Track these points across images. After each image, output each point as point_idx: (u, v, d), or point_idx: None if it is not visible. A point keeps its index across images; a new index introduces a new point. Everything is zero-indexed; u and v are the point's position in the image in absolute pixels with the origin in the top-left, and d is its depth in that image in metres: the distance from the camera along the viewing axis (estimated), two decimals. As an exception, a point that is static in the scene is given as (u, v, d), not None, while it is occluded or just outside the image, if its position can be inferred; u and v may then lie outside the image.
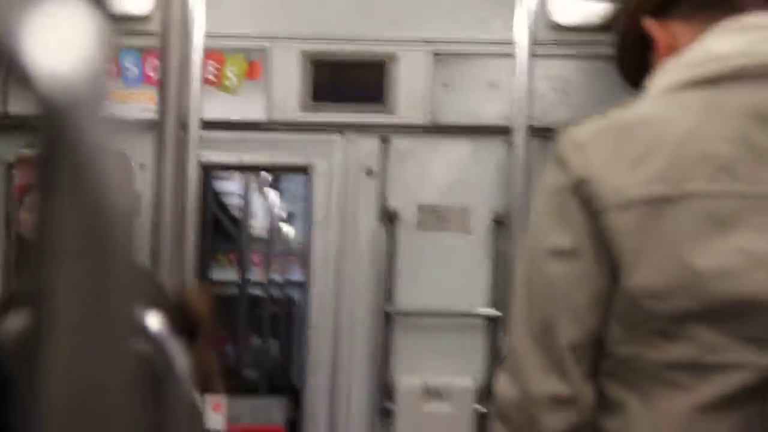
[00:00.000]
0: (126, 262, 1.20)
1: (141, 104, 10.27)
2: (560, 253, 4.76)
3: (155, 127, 6.93)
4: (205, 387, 5.94)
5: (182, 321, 5.16)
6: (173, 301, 5.89)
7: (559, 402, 4.81)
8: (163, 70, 6.91)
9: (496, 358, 11.79)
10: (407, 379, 12.38)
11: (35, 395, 1.45)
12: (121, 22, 10.99)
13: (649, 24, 5.02)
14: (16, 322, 4.43)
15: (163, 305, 5.76)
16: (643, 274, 4.68)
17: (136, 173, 11.21)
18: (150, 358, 4.11)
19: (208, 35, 10.73)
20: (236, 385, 13.93)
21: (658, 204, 4.70)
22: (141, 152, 10.61)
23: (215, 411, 10.56)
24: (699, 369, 4.70)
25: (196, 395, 5.00)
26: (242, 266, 17.47)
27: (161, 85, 7.04)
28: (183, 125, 8.41)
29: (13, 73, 1.15)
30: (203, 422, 6.65)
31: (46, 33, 1.14)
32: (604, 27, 11.30)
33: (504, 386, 4.92)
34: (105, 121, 1.15)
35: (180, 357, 4.13)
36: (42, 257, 1.32)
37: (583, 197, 4.67)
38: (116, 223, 1.21)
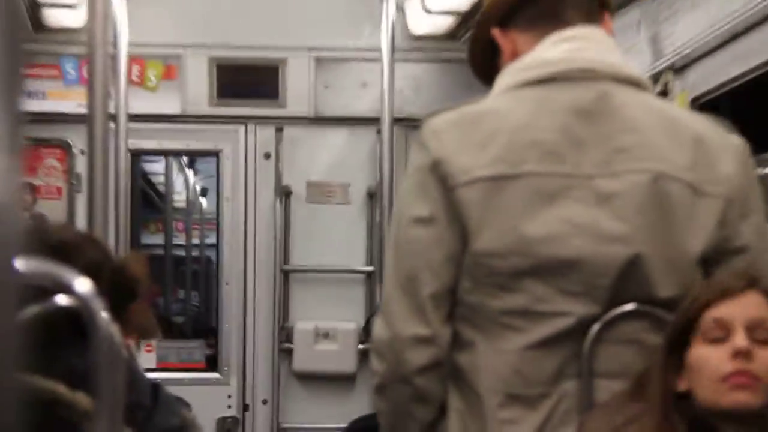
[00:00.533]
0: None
1: (79, 101, 10.00)
2: (421, 221, 5.05)
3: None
4: (145, 335, 5.85)
5: (123, 281, 5.11)
6: (115, 265, 5.84)
7: (421, 341, 5.05)
8: (91, 73, 6.86)
9: (372, 305, 12.01)
10: (302, 324, 12.73)
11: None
12: (61, 33, 11.59)
13: (495, 33, 5.28)
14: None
15: (105, 268, 5.82)
16: (486, 239, 4.93)
17: (78, 157, 12.11)
18: (77, 313, 4.06)
19: (132, 44, 10.81)
20: (165, 331, 14.14)
21: (497, 181, 4.96)
22: (81, 141, 10.65)
23: (148, 352, 11.87)
24: (530, 315, 5.01)
25: (123, 341, 4.95)
26: (167, 232, 18.25)
27: (90, 85, 7.00)
28: (113, 118, 8.22)
29: None
30: (126, 363, 6.52)
31: None
32: (450, 36, 12.32)
33: (378, 329, 5.23)
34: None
35: (101, 310, 4.10)
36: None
37: (439, 175, 4.99)
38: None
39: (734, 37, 8.41)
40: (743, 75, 8.43)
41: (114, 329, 4.25)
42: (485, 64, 5.39)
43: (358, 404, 10.91)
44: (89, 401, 4.41)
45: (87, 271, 3.96)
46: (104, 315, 4.10)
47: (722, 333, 4.61)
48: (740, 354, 4.48)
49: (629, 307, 4.97)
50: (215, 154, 12.75)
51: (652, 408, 4.71)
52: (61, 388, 4.63)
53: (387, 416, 5.34)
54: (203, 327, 14.86)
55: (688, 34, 8.78)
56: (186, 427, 6.37)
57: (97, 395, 4.25)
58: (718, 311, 4.65)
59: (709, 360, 4.57)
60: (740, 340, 4.54)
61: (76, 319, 4.25)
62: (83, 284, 3.96)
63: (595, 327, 4.97)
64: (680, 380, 4.65)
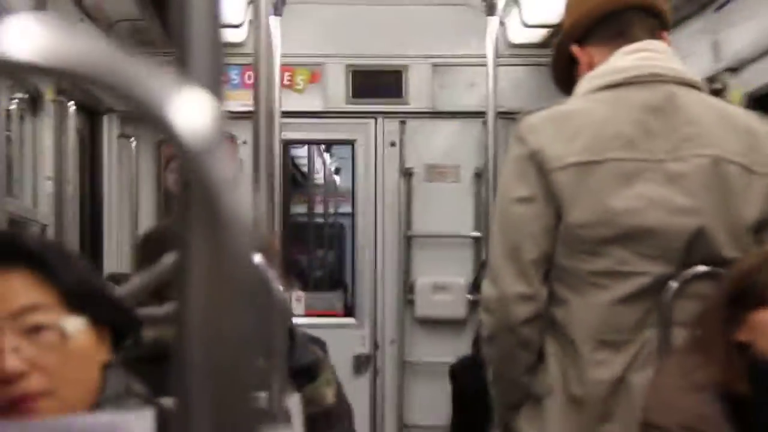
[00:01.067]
0: (238, 223, 1.11)
1: (241, 101, 10.12)
2: (522, 200, 5.21)
3: (251, 116, 6.87)
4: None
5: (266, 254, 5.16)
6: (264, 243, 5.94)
7: (524, 298, 5.19)
8: (255, 78, 6.96)
9: (478, 264, 12.13)
10: (422, 279, 12.68)
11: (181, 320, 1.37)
12: (228, 47, 10.68)
13: (574, 49, 5.47)
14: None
15: (260, 245, 5.84)
16: (577, 213, 5.09)
17: (239, 147, 11.86)
18: (258, 281, 4.11)
19: (284, 55, 10.46)
20: (308, 283, 14.70)
21: (586, 166, 5.10)
22: (243, 133, 10.79)
23: (297, 302, 12.04)
24: (614, 275, 5.14)
25: (285, 296, 5.10)
26: (309, 204, 18.38)
27: (255, 88, 7.07)
28: (270, 114, 8.20)
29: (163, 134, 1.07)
30: (291, 314, 6.77)
31: (184, 107, 1.05)
32: (543, 45, 11.96)
33: (487, 289, 5.38)
34: (221, 161, 1.07)
35: (274, 277, 4.25)
36: (182, 209, 1.27)
37: (537, 162, 5.13)
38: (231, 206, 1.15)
39: None
40: None
41: (286, 297, 4.39)
42: (565, 74, 5.55)
43: (466, 343, 10.51)
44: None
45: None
46: (276, 280, 4.18)
47: None
48: None
49: (702, 269, 5.03)
50: (351, 143, 12.93)
51: (715, 356, 4.67)
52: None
53: (495, 361, 5.46)
54: (338, 281, 14.63)
55: (742, 40, 8.65)
56: (319, 363, 6.36)
57: (270, 355, 4.30)
58: None
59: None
60: None
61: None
62: (259, 258, 4.05)
63: (674, 284, 5.03)
64: (740, 332, 4.60)
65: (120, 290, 4.72)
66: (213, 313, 1.15)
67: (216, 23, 1.88)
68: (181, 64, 1.97)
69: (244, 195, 1.12)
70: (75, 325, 2.47)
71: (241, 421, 1.15)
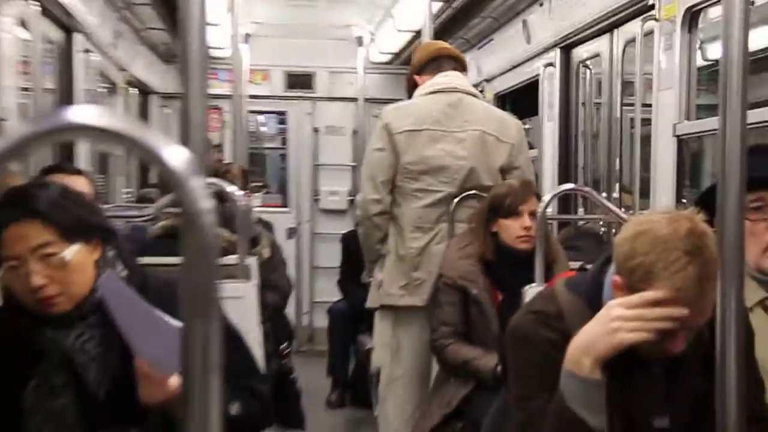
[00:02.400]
0: (202, 204, 1.08)
1: (226, 89, 9.53)
2: (378, 150, 5.20)
3: (231, 97, 6.49)
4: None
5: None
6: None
7: (376, 201, 5.22)
8: (234, 76, 6.56)
9: (353, 181, 11.05)
10: (323, 188, 11.64)
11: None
12: (218, 60, 9.93)
13: (415, 77, 5.49)
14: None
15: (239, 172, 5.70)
16: (407, 157, 5.14)
17: (225, 115, 10.32)
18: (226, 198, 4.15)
19: (250, 65, 9.93)
20: (264, 189, 12.04)
21: (412, 132, 5.16)
22: (227, 106, 9.88)
23: (257, 200, 9.97)
24: (424, 191, 5.18)
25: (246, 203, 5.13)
26: (261, 146, 16.24)
27: (233, 82, 6.66)
28: (240, 97, 7.74)
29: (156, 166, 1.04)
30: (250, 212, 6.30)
31: (173, 154, 0.99)
32: (388, 63, 11.16)
33: (358, 196, 5.66)
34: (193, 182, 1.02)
35: (238, 191, 4.34)
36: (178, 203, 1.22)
37: (387, 130, 5.15)
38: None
39: (513, 66, 8.18)
40: (516, 85, 8.30)
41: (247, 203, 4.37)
42: (410, 88, 5.52)
43: (349, 224, 9.94)
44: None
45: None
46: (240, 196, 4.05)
47: (516, 213, 4.67)
48: (528, 228, 4.55)
49: (472, 192, 5.14)
50: (284, 113, 11.53)
51: (478, 239, 4.75)
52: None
53: (362, 236, 5.50)
54: (280, 188, 13.94)
55: (492, 65, 8.58)
56: (258, 235, 6.13)
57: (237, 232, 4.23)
58: (520, 205, 4.68)
59: (510, 226, 4.64)
60: (526, 220, 4.61)
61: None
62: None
63: (456, 199, 5.18)
64: (492, 227, 4.71)
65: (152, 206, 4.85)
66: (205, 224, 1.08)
67: (204, 47, 1.89)
68: (184, 72, 1.96)
69: (201, 191, 1.06)
70: (72, 250, 2.45)
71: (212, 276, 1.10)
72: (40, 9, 5.62)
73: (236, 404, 2.59)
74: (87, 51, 6.97)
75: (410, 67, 5.62)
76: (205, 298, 1.07)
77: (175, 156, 1.08)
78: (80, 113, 1.07)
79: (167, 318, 2.46)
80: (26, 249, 2.50)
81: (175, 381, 2.48)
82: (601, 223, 6.36)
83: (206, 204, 1.07)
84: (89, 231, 2.60)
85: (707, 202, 2.71)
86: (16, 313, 2.64)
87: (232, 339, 2.74)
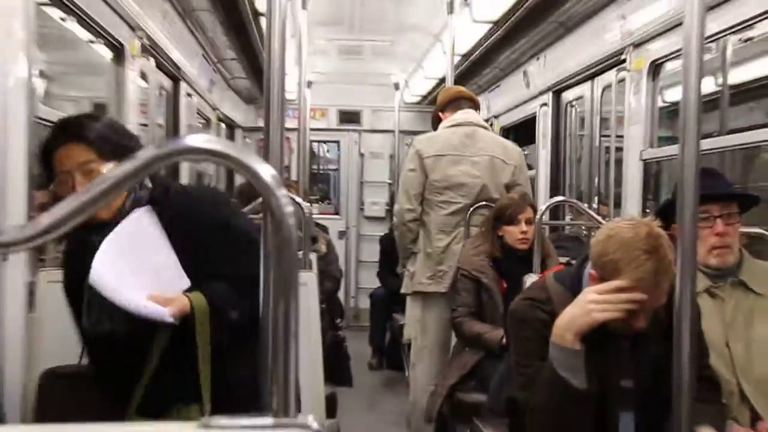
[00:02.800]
0: (284, 207, 1.07)
1: (293, 124, 9.44)
2: (411, 170, 5.06)
3: (297, 130, 6.49)
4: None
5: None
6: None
7: (410, 211, 5.06)
8: (299, 114, 6.53)
9: (390, 195, 10.96)
10: (367, 199, 11.39)
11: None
12: (288, 102, 9.82)
13: (439, 113, 5.35)
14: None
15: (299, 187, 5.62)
16: (434, 176, 5.00)
17: (292, 143, 9.56)
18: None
19: (312, 105, 9.63)
20: (321, 200, 12.36)
21: (438, 157, 5.01)
22: (294, 137, 9.52)
23: (315, 208, 9.62)
24: (447, 203, 5.02)
25: (309, 209, 5.08)
26: (320, 166, 15.72)
27: (298, 119, 6.65)
28: (305, 130, 7.68)
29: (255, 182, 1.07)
30: (312, 217, 6.14)
31: (263, 169, 1.02)
32: (418, 103, 10.91)
33: (396, 206, 5.31)
34: (278, 191, 1.04)
35: (302, 202, 4.27)
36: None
37: (418, 154, 5.02)
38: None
39: (516, 105, 8.15)
40: (518, 120, 8.27)
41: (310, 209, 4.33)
42: (435, 122, 5.38)
43: (386, 227, 9.62)
44: None
45: None
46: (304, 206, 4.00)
47: (516, 221, 4.55)
48: (525, 232, 4.50)
49: (483, 203, 5.00)
50: (337, 141, 11.52)
51: (488, 240, 4.61)
52: None
53: (397, 237, 5.26)
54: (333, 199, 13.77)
55: (499, 105, 8.52)
56: (316, 235, 6.05)
57: (303, 232, 4.21)
58: (518, 215, 4.58)
59: (512, 231, 4.53)
60: (523, 226, 4.52)
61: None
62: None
63: (471, 209, 5.06)
64: (499, 231, 4.59)
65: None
66: (288, 225, 1.09)
67: (282, 92, 1.92)
68: (267, 111, 1.99)
69: (285, 199, 1.06)
70: (109, 167, 2.42)
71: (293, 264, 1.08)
72: (155, 63, 5.68)
73: (236, 311, 2.48)
74: (189, 95, 7.01)
75: (435, 106, 5.45)
76: (287, 282, 1.05)
77: (266, 173, 1.07)
78: (196, 139, 1.07)
79: (167, 250, 2.43)
80: (74, 165, 2.45)
81: (180, 298, 2.44)
82: (583, 227, 6.34)
83: (289, 209, 1.06)
84: (125, 153, 2.44)
85: (664, 212, 2.84)
86: None
87: (231, 243, 2.56)
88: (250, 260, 2.37)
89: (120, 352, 2.55)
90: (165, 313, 2.38)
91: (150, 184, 2.62)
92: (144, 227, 2.48)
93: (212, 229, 2.54)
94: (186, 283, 2.50)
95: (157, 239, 2.45)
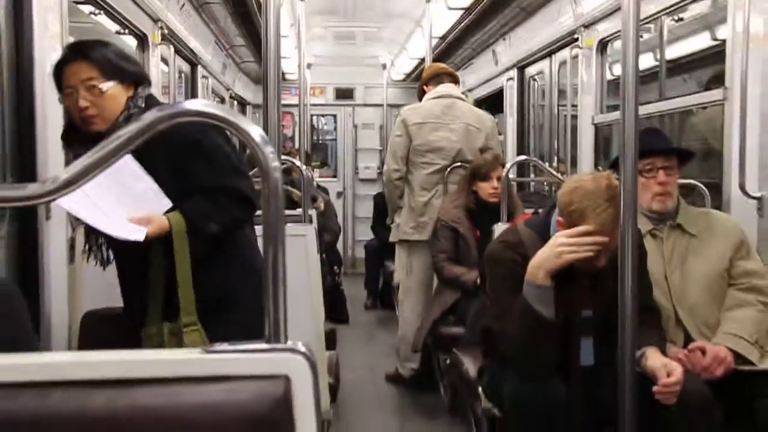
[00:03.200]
0: (275, 173, 1.04)
1: (294, 101, 9.25)
2: (398, 136, 4.94)
3: (297, 106, 6.48)
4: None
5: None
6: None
7: (397, 170, 4.96)
8: (299, 91, 6.47)
9: (380, 159, 10.51)
10: (361, 163, 11.12)
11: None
12: (289, 81, 9.81)
13: (423, 87, 5.21)
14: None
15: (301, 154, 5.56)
16: (417, 141, 4.89)
17: (294, 117, 9.97)
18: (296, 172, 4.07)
19: (311, 83, 9.80)
20: (321, 165, 12.23)
21: (421, 124, 4.89)
22: (295, 112, 9.48)
23: (315, 172, 9.30)
24: (428, 164, 4.92)
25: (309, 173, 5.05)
26: (321, 137, 15.38)
27: (299, 95, 6.57)
28: (305, 106, 7.60)
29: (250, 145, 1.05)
30: (312, 179, 5.98)
31: (258, 134, 1.03)
32: (403, 80, 10.78)
33: (384, 167, 5.17)
34: (270, 153, 1.02)
35: (303, 166, 4.18)
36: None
37: (404, 123, 4.91)
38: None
39: (487, 80, 8.19)
40: (489, 93, 8.26)
41: (309, 173, 4.20)
42: (420, 93, 5.25)
43: (379, 187, 9.24)
44: None
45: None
46: (305, 169, 3.86)
47: (488, 178, 4.52)
48: (496, 188, 4.44)
49: (459, 163, 4.90)
50: (334, 115, 11.25)
51: (464, 194, 4.60)
52: None
53: (387, 193, 5.17)
54: (332, 164, 13.64)
55: (472, 80, 8.55)
56: (316, 194, 5.98)
57: (300, 190, 4.12)
58: (491, 173, 4.54)
59: (485, 187, 4.49)
60: (495, 183, 4.48)
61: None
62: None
63: (449, 169, 4.95)
64: (473, 186, 4.57)
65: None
66: (275, 177, 1.06)
67: (278, 73, 1.87)
68: (265, 90, 1.94)
69: (273, 155, 1.04)
70: (108, 84, 2.33)
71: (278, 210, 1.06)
72: (174, 50, 5.63)
73: (213, 224, 2.39)
74: (205, 77, 6.94)
75: (420, 80, 5.36)
76: (276, 226, 1.04)
77: (255, 132, 1.05)
78: (194, 103, 1.06)
79: (147, 177, 2.32)
80: (78, 81, 2.38)
81: (158, 218, 2.34)
82: (545, 183, 6.35)
83: (275, 164, 1.05)
84: (125, 74, 2.43)
85: (616, 167, 2.83)
86: (75, 130, 2.48)
87: (204, 156, 2.42)
88: (224, 171, 2.38)
89: (128, 270, 2.53)
90: (140, 232, 2.29)
91: (143, 104, 2.48)
92: (125, 164, 2.29)
93: (187, 146, 2.39)
94: (167, 204, 2.40)
95: (137, 170, 2.32)
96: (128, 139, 1.00)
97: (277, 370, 0.96)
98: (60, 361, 0.90)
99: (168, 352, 0.93)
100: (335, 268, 7.31)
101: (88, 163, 0.99)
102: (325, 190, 7.81)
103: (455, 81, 5.30)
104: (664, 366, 2.55)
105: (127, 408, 0.87)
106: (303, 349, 0.98)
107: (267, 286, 1.03)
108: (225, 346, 0.97)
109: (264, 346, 1.00)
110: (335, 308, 6.83)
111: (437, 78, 5.20)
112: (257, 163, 1.03)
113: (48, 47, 2.90)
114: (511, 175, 4.46)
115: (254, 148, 1.04)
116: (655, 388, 2.51)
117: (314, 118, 11.27)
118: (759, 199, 3.25)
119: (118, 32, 4.65)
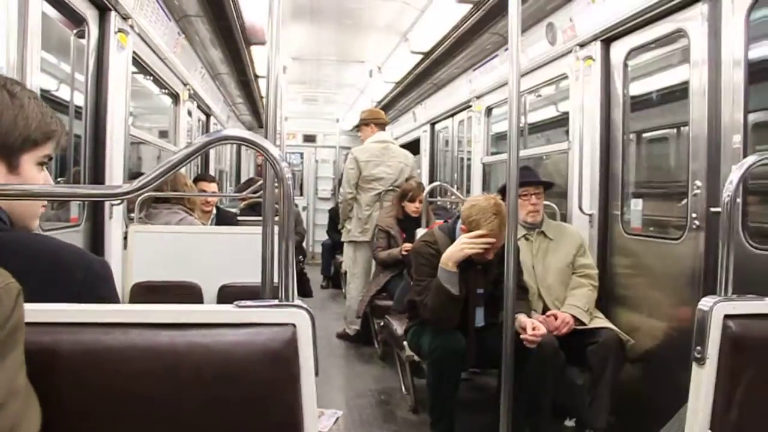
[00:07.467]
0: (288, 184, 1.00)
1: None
2: (350, 169, 4.64)
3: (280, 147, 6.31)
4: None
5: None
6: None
7: (350, 193, 4.64)
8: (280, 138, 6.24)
9: (336, 183, 9.94)
10: (320, 187, 10.50)
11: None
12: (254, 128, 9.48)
13: (364, 124, 4.78)
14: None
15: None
16: (364, 173, 4.58)
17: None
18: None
19: (288, 132, 9.36)
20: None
21: (367, 161, 4.58)
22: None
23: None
24: (371, 189, 4.58)
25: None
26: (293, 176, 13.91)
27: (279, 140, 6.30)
28: (283, 148, 7.23)
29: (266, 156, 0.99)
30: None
31: (273, 149, 0.97)
32: (352, 131, 9.48)
33: (341, 190, 4.77)
34: (282, 162, 0.99)
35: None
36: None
37: (355, 159, 4.61)
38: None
39: (409, 131, 7.98)
40: (410, 140, 7.98)
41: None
42: (362, 126, 4.84)
43: (333, 203, 8.90)
44: None
45: None
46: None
47: (413, 199, 4.34)
48: (418, 207, 4.30)
49: (392, 189, 4.64)
50: (301, 153, 10.79)
51: (394, 208, 4.44)
52: None
53: (340, 209, 4.88)
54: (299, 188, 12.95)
55: (399, 131, 8.41)
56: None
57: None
58: (415, 196, 4.36)
59: (410, 205, 4.34)
60: (417, 203, 4.31)
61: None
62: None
63: (386, 193, 4.69)
64: (402, 203, 4.42)
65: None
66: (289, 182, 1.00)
67: (275, 123, 1.80)
68: (266, 133, 1.87)
69: (287, 168, 0.99)
70: None
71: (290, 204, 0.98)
72: (196, 105, 5.55)
73: None
74: (215, 124, 6.80)
75: (366, 118, 4.87)
76: (289, 215, 1.00)
77: (275, 151, 1.01)
78: (232, 132, 1.02)
79: None
80: None
81: None
82: (449, 202, 6.36)
83: (288, 174, 1.00)
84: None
85: (503, 192, 2.79)
86: None
87: None
88: None
89: None
90: None
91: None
92: None
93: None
94: None
95: None
96: (186, 156, 0.95)
97: (287, 320, 0.95)
98: (138, 310, 0.91)
99: (212, 306, 0.93)
100: (301, 258, 7.29)
101: (154, 174, 0.94)
102: (295, 204, 7.69)
103: (384, 126, 5.09)
104: (531, 323, 2.62)
105: (183, 344, 0.88)
106: (305, 306, 0.96)
107: (281, 262, 1.01)
108: (251, 302, 0.95)
109: (278, 302, 0.98)
110: (302, 286, 6.81)
111: (375, 119, 4.93)
112: (275, 171, 1.00)
113: (116, 101, 2.99)
114: (428, 197, 4.46)
115: (274, 162, 1.00)
116: (523, 336, 2.56)
117: (288, 155, 10.98)
118: (590, 215, 3.30)
119: (160, 93, 4.65)
